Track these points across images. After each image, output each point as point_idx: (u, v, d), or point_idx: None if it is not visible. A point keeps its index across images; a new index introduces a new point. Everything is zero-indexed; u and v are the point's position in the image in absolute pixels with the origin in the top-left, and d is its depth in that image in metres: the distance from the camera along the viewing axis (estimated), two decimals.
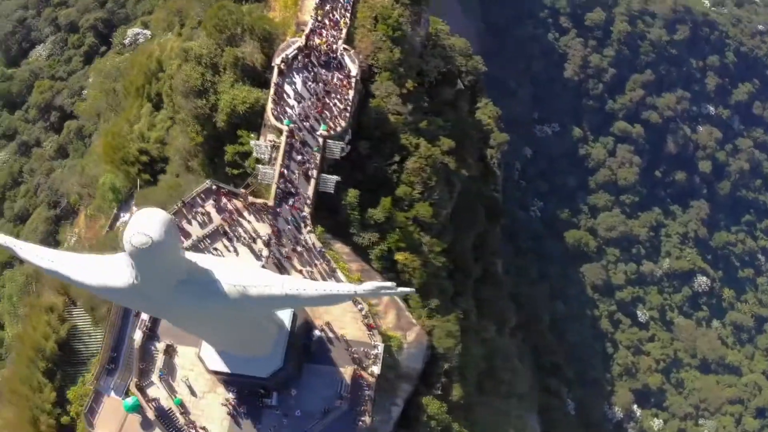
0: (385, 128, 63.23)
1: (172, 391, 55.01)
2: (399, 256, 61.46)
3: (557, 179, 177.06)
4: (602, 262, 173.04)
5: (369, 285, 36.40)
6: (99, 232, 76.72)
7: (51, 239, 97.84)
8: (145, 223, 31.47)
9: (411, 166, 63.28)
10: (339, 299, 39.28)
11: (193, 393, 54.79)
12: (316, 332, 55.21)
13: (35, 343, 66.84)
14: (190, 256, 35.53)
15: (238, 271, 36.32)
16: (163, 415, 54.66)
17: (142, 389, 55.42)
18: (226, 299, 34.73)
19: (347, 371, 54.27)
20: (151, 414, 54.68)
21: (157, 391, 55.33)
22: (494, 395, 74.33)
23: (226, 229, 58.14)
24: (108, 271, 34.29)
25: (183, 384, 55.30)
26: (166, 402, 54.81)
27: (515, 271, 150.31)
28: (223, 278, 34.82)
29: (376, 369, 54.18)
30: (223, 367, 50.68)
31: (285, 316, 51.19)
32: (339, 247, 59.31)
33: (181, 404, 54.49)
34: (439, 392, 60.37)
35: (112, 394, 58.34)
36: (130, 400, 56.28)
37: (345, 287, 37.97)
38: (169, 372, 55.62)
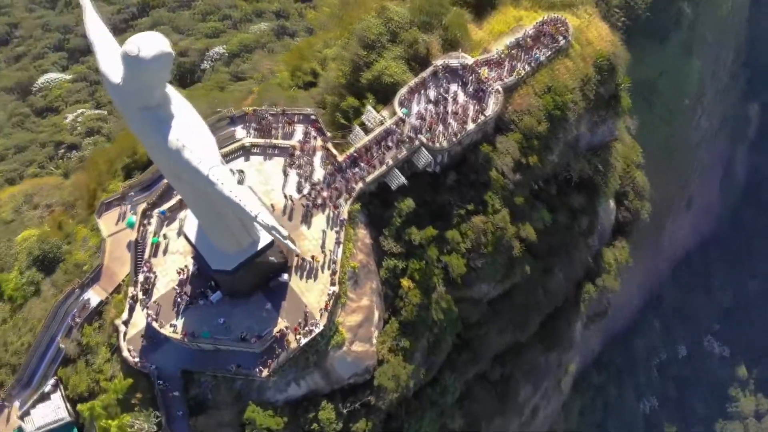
0: (482, 177, 62.72)
1: (159, 231, 60.61)
2: (404, 282, 60.88)
3: (689, 396, 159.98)
4: None
5: (269, 219, 37.94)
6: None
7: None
8: (146, 40, 35.91)
9: (476, 222, 62.08)
10: (244, 214, 40.85)
11: (168, 244, 59.91)
12: (285, 276, 57.16)
13: (132, 141, 76.38)
14: (173, 95, 39.46)
15: (193, 134, 39.30)
16: (140, 242, 60.59)
17: (145, 215, 61.76)
18: (166, 145, 38.16)
19: (280, 324, 55.72)
20: (133, 236, 60.98)
21: (152, 224, 61.34)
22: None
23: (294, 152, 62.26)
24: (115, 64, 39.20)
25: (171, 233, 60.67)
26: (150, 236, 60.62)
27: None
28: (176, 127, 38.30)
29: (303, 340, 55.06)
30: (192, 236, 54.66)
31: (264, 237, 53.67)
32: (363, 234, 60.38)
33: (155, 246, 59.91)
34: (344, 412, 59.21)
35: (130, 207, 65.46)
36: (135, 218, 63.23)
37: (252, 208, 39.61)
38: (170, 217, 61.31)
